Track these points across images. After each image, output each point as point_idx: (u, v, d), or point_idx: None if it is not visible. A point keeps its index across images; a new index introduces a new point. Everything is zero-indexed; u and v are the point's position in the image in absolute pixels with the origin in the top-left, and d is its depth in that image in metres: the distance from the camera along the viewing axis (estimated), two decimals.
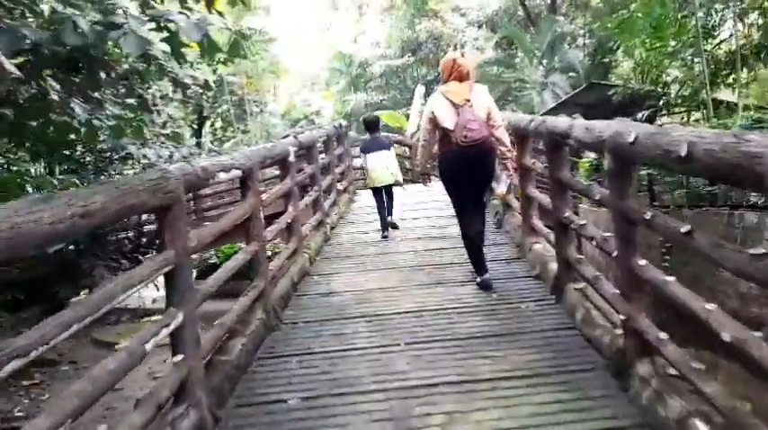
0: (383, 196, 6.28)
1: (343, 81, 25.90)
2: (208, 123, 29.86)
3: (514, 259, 4.88)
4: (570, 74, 21.30)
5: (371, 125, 6.38)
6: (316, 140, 6.15)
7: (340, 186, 8.02)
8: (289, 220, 4.70)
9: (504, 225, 5.88)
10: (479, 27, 24.57)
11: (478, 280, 4.17)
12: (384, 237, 6.10)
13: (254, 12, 23.65)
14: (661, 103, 9.13)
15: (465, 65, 4.07)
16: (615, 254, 2.64)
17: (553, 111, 11.62)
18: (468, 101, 3.93)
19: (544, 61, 21.25)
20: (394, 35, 25.27)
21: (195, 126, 30.09)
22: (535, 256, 4.54)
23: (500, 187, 5.25)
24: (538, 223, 4.73)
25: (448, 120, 3.92)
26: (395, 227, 6.38)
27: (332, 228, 6.58)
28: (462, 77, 4.02)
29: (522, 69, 21.91)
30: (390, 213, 6.38)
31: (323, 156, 7.16)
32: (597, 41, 21.51)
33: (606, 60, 21.83)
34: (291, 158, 4.86)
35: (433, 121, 4.02)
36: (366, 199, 8.88)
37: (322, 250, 5.74)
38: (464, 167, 3.97)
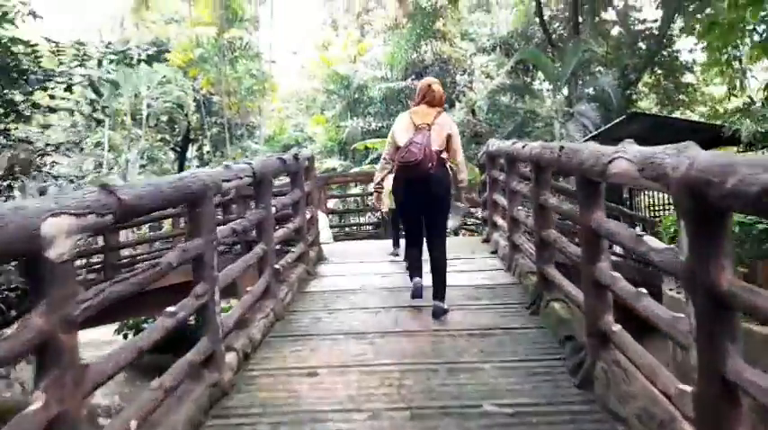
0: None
1: (340, 105, 23.03)
2: (195, 146, 27.19)
3: (579, 403, 1.77)
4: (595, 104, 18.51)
5: None
6: (212, 187, 3.03)
7: (288, 257, 4.89)
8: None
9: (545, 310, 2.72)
10: (492, 50, 22.00)
11: (414, 283, 4.14)
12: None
13: (238, 24, 20.82)
14: None
15: (439, 91, 4.25)
16: None
17: None
18: (430, 125, 4.07)
19: (564, 89, 18.39)
20: (397, 56, 22.44)
21: (179, 149, 27.42)
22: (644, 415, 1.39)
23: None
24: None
25: (402, 140, 4.08)
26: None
27: (246, 356, 3.40)
28: (434, 103, 4.19)
29: (541, 97, 19.09)
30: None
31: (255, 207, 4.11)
32: (621, 72, 19.03)
33: (628, 93, 19.64)
34: (51, 255, 1.75)
35: (394, 140, 4.18)
36: (339, 273, 5.64)
37: None
38: (407, 187, 4.11)
